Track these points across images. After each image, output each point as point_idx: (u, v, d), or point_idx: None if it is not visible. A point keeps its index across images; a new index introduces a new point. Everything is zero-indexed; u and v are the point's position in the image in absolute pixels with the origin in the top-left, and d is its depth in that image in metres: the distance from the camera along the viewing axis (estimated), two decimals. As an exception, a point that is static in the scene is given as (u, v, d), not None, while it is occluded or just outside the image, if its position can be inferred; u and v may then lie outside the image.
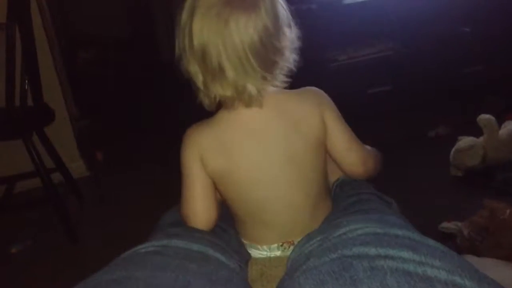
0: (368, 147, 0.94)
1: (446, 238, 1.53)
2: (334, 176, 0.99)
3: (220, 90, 0.78)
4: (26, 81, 1.97)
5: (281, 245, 0.86)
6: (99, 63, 5.11)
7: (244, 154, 0.82)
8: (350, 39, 2.49)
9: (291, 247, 0.84)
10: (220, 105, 0.83)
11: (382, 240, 0.61)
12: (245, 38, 0.74)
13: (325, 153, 0.89)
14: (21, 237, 2.02)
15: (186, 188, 0.86)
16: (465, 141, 1.95)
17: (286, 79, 0.82)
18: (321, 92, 0.89)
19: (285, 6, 0.80)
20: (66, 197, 2.22)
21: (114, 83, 4.64)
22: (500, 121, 1.98)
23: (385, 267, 0.54)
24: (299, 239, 0.79)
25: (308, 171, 0.84)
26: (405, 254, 0.57)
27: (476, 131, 1.95)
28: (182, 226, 0.87)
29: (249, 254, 0.89)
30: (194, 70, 0.79)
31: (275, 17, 0.76)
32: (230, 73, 0.75)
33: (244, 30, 0.73)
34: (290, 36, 0.81)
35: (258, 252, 0.89)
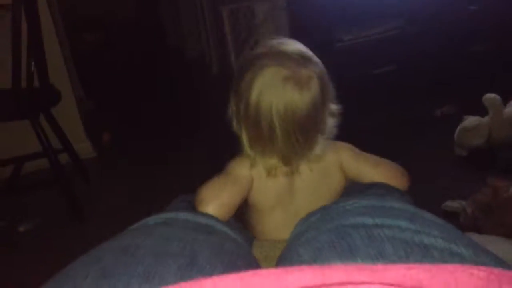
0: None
1: (450, 217, 1.54)
2: None
3: (265, 158, 0.86)
4: (32, 62, 1.98)
5: None
6: (104, 45, 5.12)
7: (280, 201, 0.89)
8: (356, 19, 2.48)
9: None
10: None
11: (379, 211, 0.63)
12: (297, 113, 0.80)
13: None
14: (29, 217, 2.05)
15: (222, 179, 0.89)
16: (470, 120, 1.95)
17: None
18: (336, 142, 0.92)
19: (330, 82, 0.86)
20: (73, 177, 2.24)
21: (119, 65, 4.65)
22: (505, 100, 1.98)
23: (382, 235, 0.55)
24: None
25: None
26: (402, 223, 0.58)
27: (482, 111, 1.95)
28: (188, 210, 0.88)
29: (252, 237, 0.91)
30: (244, 134, 0.86)
31: (323, 94, 0.83)
32: (280, 144, 0.83)
33: (296, 106, 0.80)
34: (334, 110, 0.87)
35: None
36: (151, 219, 0.74)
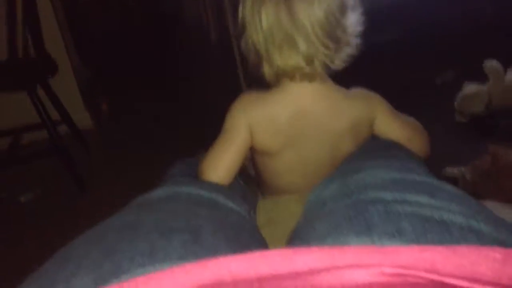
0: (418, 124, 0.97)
1: (450, 183, 1.54)
2: None
3: (287, 60, 0.81)
4: (28, 32, 1.95)
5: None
6: (100, 10, 5.02)
7: (289, 141, 0.86)
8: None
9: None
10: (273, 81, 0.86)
11: (399, 185, 0.61)
12: (312, 15, 0.77)
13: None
14: (30, 187, 2.06)
15: (219, 144, 0.87)
16: (470, 87, 1.94)
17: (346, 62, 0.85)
18: (372, 95, 0.91)
19: None
20: (73, 148, 2.24)
21: (116, 30, 4.58)
22: (506, 66, 1.96)
23: (400, 211, 0.54)
24: None
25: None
26: (422, 199, 0.57)
27: (483, 77, 1.94)
28: (191, 177, 0.88)
29: (256, 200, 0.91)
30: (260, 40, 0.82)
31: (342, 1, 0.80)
32: (301, 45, 0.79)
33: (309, 8, 0.77)
34: (354, 18, 0.84)
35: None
36: (154, 193, 0.74)
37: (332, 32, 0.80)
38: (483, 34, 2.43)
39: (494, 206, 1.27)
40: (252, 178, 1.04)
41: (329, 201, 0.66)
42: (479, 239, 0.49)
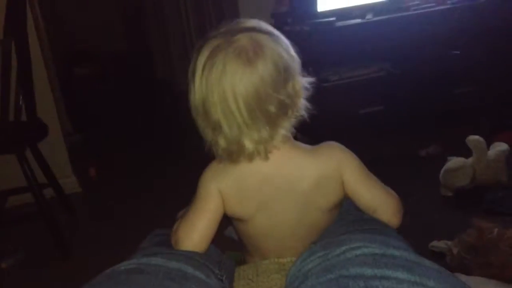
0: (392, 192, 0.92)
1: (436, 257, 1.54)
2: None
3: (223, 144, 0.79)
4: (21, 96, 1.98)
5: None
6: (92, 79, 5.13)
7: (259, 207, 0.84)
8: (343, 60, 2.53)
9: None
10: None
11: (379, 261, 0.63)
12: (241, 92, 0.74)
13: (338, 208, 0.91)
14: (12, 252, 2.00)
15: (192, 212, 0.86)
16: (454, 161, 1.98)
17: (292, 128, 0.82)
18: (339, 151, 0.87)
19: (294, 55, 0.81)
20: (58, 212, 2.21)
21: (108, 98, 4.65)
22: (489, 142, 2.01)
23: (380, 287, 0.55)
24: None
25: (320, 229, 0.86)
26: (400, 274, 0.58)
27: (466, 152, 1.98)
28: (163, 246, 0.87)
29: (232, 264, 0.89)
30: (201, 124, 0.80)
31: (276, 69, 0.76)
32: (225, 128, 0.77)
33: (238, 84, 0.74)
34: (299, 84, 0.81)
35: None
36: (122, 265, 0.73)
37: (265, 109, 0.76)
38: (465, 109, 2.51)
39: (480, 282, 1.26)
40: (237, 241, 1.03)
41: (310, 275, 0.66)
42: None
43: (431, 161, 2.32)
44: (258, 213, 0.84)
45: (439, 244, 1.59)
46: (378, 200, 0.87)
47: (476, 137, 1.96)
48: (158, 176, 2.77)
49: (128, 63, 5.30)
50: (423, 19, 2.50)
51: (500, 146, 2.00)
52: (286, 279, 0.75)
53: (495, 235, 1.39)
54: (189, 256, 0.79)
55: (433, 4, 2.56)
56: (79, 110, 3.75)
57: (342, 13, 2.53)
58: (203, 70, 0.76)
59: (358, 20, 2.50)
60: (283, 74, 0.77)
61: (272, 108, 0.76)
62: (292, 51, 0.81)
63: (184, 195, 1.01)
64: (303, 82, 0.82)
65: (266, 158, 0.80)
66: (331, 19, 2.47)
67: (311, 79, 0.84)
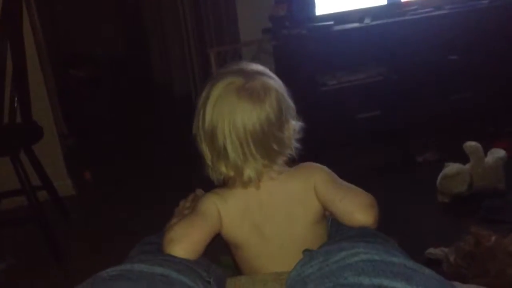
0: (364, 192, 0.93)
1: (433, 264, 1.53)
2: None
3: (223, 169, 0.87)
4: (16, 98, 1.97)
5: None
6: (90, 82, 5.12)
7: (252, 230, 0.89)
8: (340, 64, 2.52)
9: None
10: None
11: (377, 269, 0.63)
12: (248, 126, 0.83)
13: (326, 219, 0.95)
14: (3, 256, 1.98)
15: (190, 220, 0.89)
16: (451, 168, 1.97)
17: (285, 163, 0.91)
18: (313, 166, 0.94)
19: (290, 101, 0.90)
20: (52, 215, 2.19)
21: (106, 101, 4.64)
22: (486, 148, 2.01)
23: None
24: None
25: (310, 244, 0.87)
26: (398, 284, 0.58)
27: (463, 158, 1.97)
28: (150, 254, 0.86)
29: (221, 271, 0.89)
30: (204, 149, 0.88)
31: (279, 110, 0.86)
32: (231, 155, 0.85)
33: (248, 118, 0.83)
34: (293, 127, 0.90)
35: None
36: (106, 272, 0.73)
37: (267, 144, 0.85)
38: (463, 115, 2.51)
39: (477, 290, 1.25)
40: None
41: (310, 282, 0.67)
42: None
43: (428, 167, 2.31)
44: (251, 237, 0.90)
45: (435, 251, 1.58)
46: (349, 201, 0.89)
47: (474, 143, 1.95)
48: (154, 179, 2.76)
49: (126, 66, 5.29)
50: (421, 24, 2.51)
51: (497, 153, 1.99)
52: (287, 282, 0.76)
53: (492, 243, 1.38)
54: (175, 261, 0.79)
55: (431, 9, 2.56)
56: (75, 112, 3.73)
57: (340, 17, 2.53)
58: (216, 101, 0.85)
59: (356, 24, 2.50)
60: (284, 115, 0.87)
61: (274, 146, 0.86)
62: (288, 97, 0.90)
63: (183, 197, 1.02)
64: (296, 126, 0.91)
65: (259, 186, 0.88)
66: (329, 23, 2.47)
67: (301, 124, 0.92)
